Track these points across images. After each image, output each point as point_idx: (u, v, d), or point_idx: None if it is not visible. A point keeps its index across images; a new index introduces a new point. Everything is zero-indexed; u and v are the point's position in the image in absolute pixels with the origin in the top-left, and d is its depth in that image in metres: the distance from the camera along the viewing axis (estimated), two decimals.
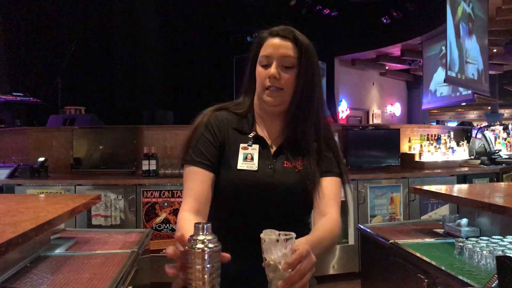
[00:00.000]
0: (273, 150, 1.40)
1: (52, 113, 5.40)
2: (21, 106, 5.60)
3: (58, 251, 2.18)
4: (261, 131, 1.41)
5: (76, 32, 7.02)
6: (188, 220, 1.20)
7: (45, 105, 5.84)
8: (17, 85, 6.48)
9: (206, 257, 0.90)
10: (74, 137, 4.53)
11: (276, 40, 1.35)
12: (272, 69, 1.33)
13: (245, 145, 1.37)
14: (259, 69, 1.37)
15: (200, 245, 0.90)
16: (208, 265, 0.91)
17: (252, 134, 1.39)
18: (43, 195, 2.84)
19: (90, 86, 7.68)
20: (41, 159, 4.23)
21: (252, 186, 1.31)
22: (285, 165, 1.37)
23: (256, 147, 1.37)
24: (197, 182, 1.31)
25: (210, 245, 0.91)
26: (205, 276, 0.91)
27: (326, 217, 1.31)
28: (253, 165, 1.33)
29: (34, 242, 2.05)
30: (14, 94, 5.62)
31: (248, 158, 1.34)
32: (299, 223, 1.38)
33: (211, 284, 0.92)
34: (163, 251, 3.79)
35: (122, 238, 2.49)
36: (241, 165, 1.33)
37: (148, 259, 2.92)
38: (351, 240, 4.28)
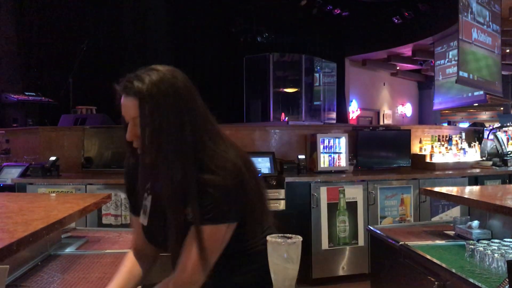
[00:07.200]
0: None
1: (64, 113, 5.45)
2: (33, 105, 5.66)
3: (68, 250, 2.20)
4: None
5: (88, 32, 7.06)
6: None
7: (57, 105, 5.89)
8: (29, 85, 6.54)
9: None
10: (85, 137, 4.56)
11: (122, 100, 1.34)
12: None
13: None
14: None
15: None
16: None
17: None
18: (54, 194, 2.87)
19: (101, 86, 7.68)
20: (53, 158, 4.27)
21: None
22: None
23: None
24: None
25: None
26: None
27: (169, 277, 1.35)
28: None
29: (45, 241, 2.06)
30: (26, 93, 5.68)
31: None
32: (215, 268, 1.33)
33: None
34: None
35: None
36: None
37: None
38: (361, 242, 4.26)
